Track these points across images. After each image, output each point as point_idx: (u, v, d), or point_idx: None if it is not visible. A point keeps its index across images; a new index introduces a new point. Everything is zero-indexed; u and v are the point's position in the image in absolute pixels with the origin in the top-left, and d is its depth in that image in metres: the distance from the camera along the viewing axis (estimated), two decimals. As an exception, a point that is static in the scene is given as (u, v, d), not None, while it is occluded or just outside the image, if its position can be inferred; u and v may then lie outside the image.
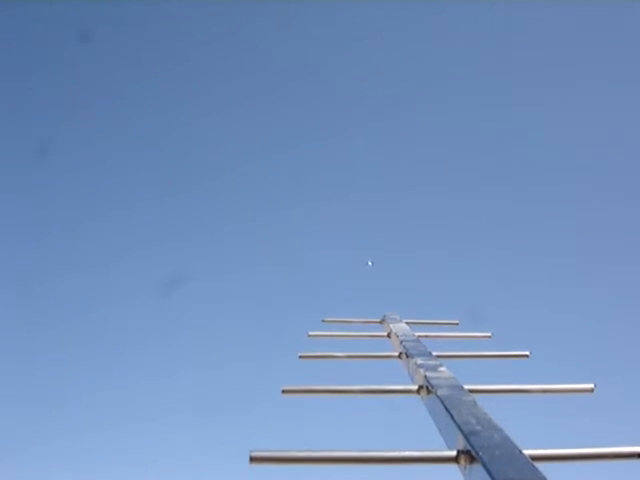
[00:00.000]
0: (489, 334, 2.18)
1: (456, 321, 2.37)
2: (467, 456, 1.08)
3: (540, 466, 0.98)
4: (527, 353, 1.94)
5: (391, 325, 2.19)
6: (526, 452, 1.03)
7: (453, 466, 1.10)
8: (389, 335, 2.15)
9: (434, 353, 1.77)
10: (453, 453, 1.10)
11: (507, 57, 9.59)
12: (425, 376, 1.49)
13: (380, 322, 2.35)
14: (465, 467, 1.08)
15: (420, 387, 1.51)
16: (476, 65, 9.63)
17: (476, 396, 1.34)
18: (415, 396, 1.52)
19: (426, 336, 2.07)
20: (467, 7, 9.12)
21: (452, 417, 1.20)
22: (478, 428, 1.13)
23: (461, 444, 1.11)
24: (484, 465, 0.99)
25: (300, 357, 1.93)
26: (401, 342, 1.93)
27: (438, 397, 1.33)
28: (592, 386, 1.56)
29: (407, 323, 2.23)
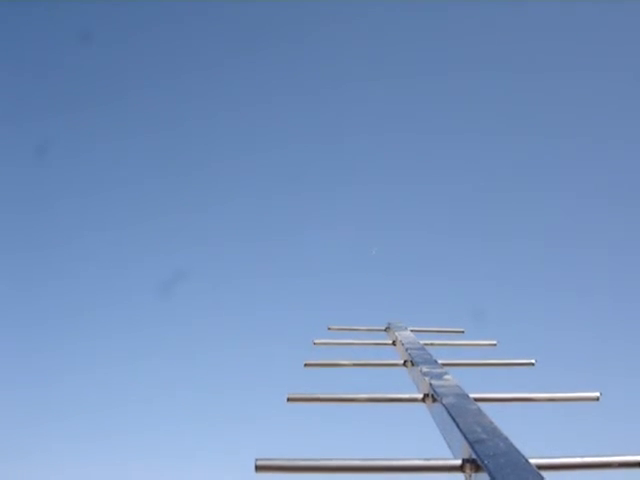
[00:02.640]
0: (494, 342, 2.18)
1: (462, 329, 2.37)
2: (472, 465, 1.08)
3: (546, 475, 0.98)
4: (533, 361, 1.93)
5: (396, 333, 2.19)
6: (532, 461, 1.03)
7: (458, 475, 1.10)
8: (394, 343, 2.16)
9: (439, 361, 1.77)
10: (458, 462, 1.10)
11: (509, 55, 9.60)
12: (430, 384, 1.49)
13: (385, 330, 2.35)
14: (470, 476, 1.08)
15: (425, 395, 1.52)
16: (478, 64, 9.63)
17: (481, 404, 1.35)
18: (420, 404, 1.52)
19: (431, 344, 2.07)
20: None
21: (457, 425, 1.20)
22: (483, 436, 1.13)
23: (466, 453, 1.11)
24: (489, 474, 0.99)
25: (305, 365, 1.93)
26: (406, 350, 1.93)
27: (443, 405, 1.33)
28: (598, 394, 1.56)
29: (412, 331, 2.23)
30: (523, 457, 1.04)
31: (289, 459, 1.14)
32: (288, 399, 1.57)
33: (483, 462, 1.02)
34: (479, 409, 1.30)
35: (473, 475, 1.07)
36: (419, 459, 1.13)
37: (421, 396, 1.53)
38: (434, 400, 1.43)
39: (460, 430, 1.17)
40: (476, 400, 1.38)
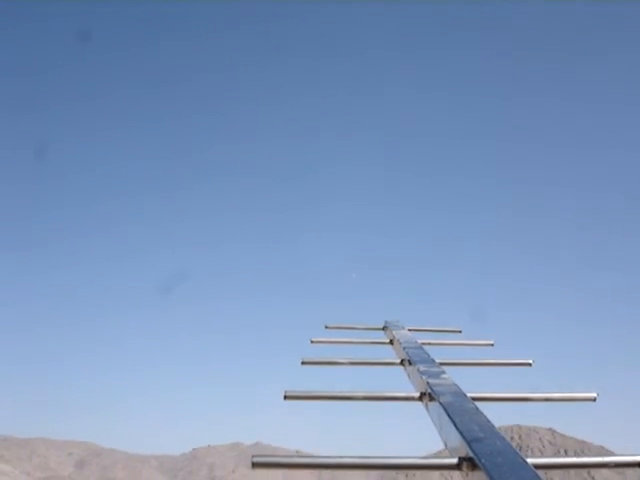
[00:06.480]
0: (491, 342, 2.17)
1: (459, 329, 2.37)
2: (469, 463, 1.08)
3: (543, 474, 0.98)
4: (530, 361, 1.93)
5: (394, 332, 2.18)
6: (529, 460, 1.03)
7: (455, 473, 1.10)
8: (392, 342, 2.15)
9: (437, 360, 1.77)
10: (455, 460, 1.10)
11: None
12: (427, 383, 1.49)
13: (383, 329, 2.34)
14: (467, 474, 1.08)
15: (422, 394, 1.51)
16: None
17: (478, 403, 1.34)
18: (417, 403, 1.52)
19: (429, 343, 2.06)
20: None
21: (454, 424, 1.20)
22: (480, 435, 1.13)
23: (463, 451, 1.11)
24: (486, 472, 0.99)
25: (303, 363, 1.92)
26: (404, 349, 1.92)
27: (441, 404, 1.33)
28: (595, 395, 1.56)
29: (410, 330, 2.22)
30: (520, 456, 1.04)
31: (285, 456, 1.14)
32: (285, 396, 1.57)
33: (480, 461, 1.02)
34: (476, 408, 1.30)
35: (470, 474, 1.07)
36: (416, 457, 1.13)
37: (418, 395, 1.53)
38: (431, 399, 1.43)
39: (457, 429, 1.17)
40: (473, 399, 1.37)
